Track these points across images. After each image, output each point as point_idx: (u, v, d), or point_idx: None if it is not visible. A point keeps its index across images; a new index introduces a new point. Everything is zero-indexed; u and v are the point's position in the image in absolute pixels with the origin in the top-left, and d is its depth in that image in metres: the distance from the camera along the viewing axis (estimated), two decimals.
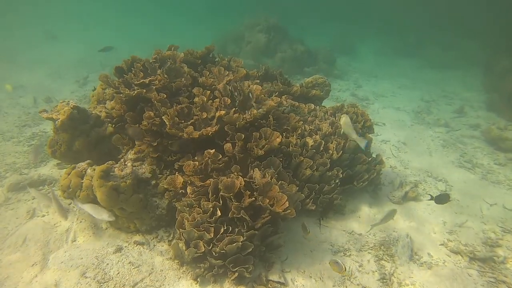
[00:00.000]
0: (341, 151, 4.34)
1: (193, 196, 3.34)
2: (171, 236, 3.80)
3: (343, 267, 3.13)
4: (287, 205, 3.28)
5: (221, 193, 3.21)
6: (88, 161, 3.73)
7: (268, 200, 3.29)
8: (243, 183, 3.33)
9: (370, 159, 4.77)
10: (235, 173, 3.44)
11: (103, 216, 3.24)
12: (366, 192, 4.94)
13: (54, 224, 3.95)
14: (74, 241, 3.77)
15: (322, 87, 5.36)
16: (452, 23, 18.67)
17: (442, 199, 4.15)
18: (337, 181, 4.29)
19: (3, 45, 12.87)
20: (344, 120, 3.93)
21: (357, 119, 4.75)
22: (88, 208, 3.28)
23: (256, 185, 3.36)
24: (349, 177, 4.50)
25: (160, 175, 3.79)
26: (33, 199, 4.37)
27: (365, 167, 4.57)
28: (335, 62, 12.58)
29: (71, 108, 3.83)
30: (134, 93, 3.67)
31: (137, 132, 3.69)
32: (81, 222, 3.96)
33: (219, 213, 3.18)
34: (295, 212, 3.37)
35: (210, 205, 3.21)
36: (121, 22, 21.09)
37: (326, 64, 11.84)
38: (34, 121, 6.79)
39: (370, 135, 4.76)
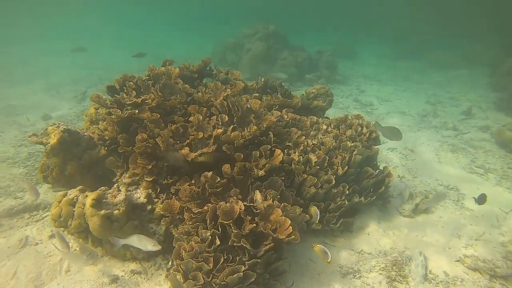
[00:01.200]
0: (347, 166, 4.12)
1: (190, 223, 3.13)
2: (170, 263, 3.59)
3: (329, 255, 3.15)
4: (291, 230, 3.07)
5: (219, 220, 3.01)
6: (79, 187, 3.54)
7: (270, 225, 3.08)
8: (243, 208, 3.12)
9: (377, 171, 4.54)
10: (235, 197, 3.24)
11: (149, 247, 2.96)
12: (374, 206, 4.71)
13: (47, 253, 3.76)
14: (68, 271, 3.57)
15: (324, 97, 5.15)
16: (452, 23, 18.45)
17: (481, 199, 4.25)
18: (343, 198, 4.07)
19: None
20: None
21: (362, 131, 4.53)
22: (132, 242, 2.98)
23: (257, 210, 3.15)
24: (355, 192, 4.27)
25: (156, 199, 3.59)
26: (26, 225, 4.20)
27: (372, 181, 4.34)
28: (336, 67, 12.36)
29: (61, 131, 3.66)
30: (125, 114, 3.49)
31: (177, 158, 3.40)
32: (75, 250, 3.77)
33: (218, 241, 2.97)
34: (300, 234, 3.16)
35: (209, 233, 3.00)
36: (122, 36, 21.06)
37: (327, 70, 11.63)
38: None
39: (376, 146, 4.53)
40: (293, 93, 5.39)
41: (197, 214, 3.13)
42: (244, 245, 2.92)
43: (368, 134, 4.50)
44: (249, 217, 3.11)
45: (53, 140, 3.60)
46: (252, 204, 3.19)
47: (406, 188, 5.25)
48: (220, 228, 3.04)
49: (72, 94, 9.80)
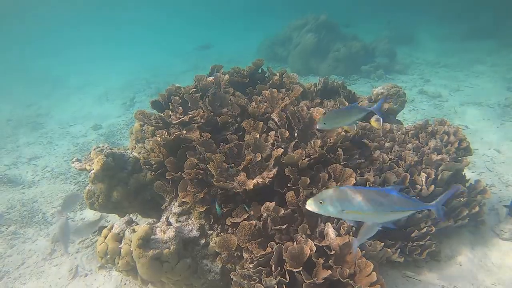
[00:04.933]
0: (432, 185, 3.39)
1: (251, 266, 2.64)
2: None
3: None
4: (375, 277, 2.46)
5: (287, 267, 2.47)
6: (126, 218, 3.19)
7: (348, 271, 2.49)
8: (314, 249, 2.56)
9: (468, 186, 3.76)
10: (303, 236, 2.68)
11: None
12: (464, 227, 3.91)
13: (97, 287, 3.49)
14: None
15: (396, 98, 4.39)
16: None
17: None
18: (428, 223, 3.36)
19: (49, 73, 13.33)
20: None
21: (449, 140, 3.74)
22: None
23: (330, 251, 2.58)
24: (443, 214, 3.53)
25: (210, 231, 3.14)
26: (76, 252, 3.98)
27: (463, 200, 3.56)
28: (395, 56, 11.17)
29: (104, 156, 3.33)
30: (172, 137, 3.06)
31: None
32: (125, 284, 3.46)
33: None
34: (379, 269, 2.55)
35: (274, 282, 2.48)
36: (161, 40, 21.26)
37: (385, 59, 10.54)
38: (81, 152, 6.56)
39: (468, 158, 3.73)
40: (349, 88, 4.66)
41: (259, 257, 2.62)
42: None
43: (456, 143, 3.71)
44: (322, 260, 2.55)
45: (96, 166, 3.29)
46: (324, 244, 2.62)
47: (500, 202, 4.36)
48: (287, 276, 2.50)
49: (121, 101, 9.77)
